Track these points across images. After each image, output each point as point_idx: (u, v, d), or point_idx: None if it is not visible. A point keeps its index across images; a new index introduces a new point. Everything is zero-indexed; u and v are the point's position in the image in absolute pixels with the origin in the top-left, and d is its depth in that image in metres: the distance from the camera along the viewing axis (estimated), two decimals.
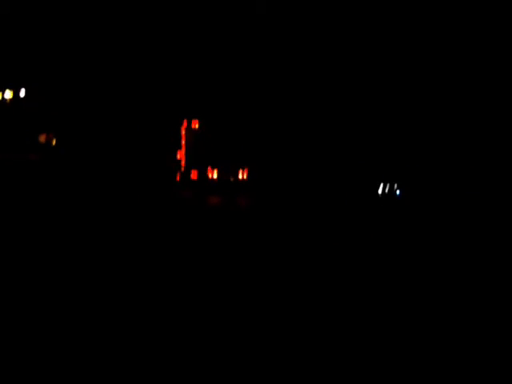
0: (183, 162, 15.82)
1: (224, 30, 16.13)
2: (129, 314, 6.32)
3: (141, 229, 11.41)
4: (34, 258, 8.77)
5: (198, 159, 15.74)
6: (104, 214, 12.70)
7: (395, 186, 17.66)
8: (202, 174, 15.41)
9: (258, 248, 10.90)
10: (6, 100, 19.08)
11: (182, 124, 15.73)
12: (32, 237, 9.65)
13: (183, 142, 15.98)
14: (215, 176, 15.85)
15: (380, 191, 17.39)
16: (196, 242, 10.63)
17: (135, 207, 13.65)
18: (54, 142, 18.16)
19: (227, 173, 16.00)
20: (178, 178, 15.43)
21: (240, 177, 16.07)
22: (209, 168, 15.40)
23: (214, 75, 17.60)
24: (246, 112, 17.18)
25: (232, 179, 16.05)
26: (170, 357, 5.00)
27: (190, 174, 15.27)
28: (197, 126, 15.77)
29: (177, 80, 16.50)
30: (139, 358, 4.89)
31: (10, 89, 18.94)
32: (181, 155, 15.89)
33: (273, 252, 10.53)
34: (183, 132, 15.77)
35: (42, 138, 17.78)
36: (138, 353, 5.04)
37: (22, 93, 19.17)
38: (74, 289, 7.20)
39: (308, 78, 17.53)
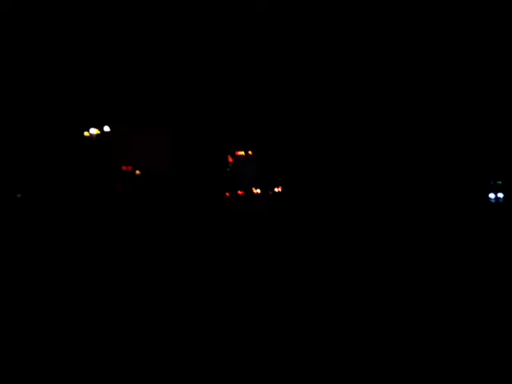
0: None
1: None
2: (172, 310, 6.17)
3: (199, 229, 14.56)
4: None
5: (241, 180, 19.68)
6: (175, 218, 17.04)
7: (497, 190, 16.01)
8: (246, 191, 18.58)
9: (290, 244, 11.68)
10: (92, 136, 24.86)
11: (230, 152, 19.60)
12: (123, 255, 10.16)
13: (230, 166, 19.94)
14: (258, 191, 18.87)
15: (492, 196, 16.11)
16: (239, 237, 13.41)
17: (196, 214, 17.97)
18: (137, 172, 25.25)
19: (266, 189, 19.19)
20: (227, 194, 18.83)
21: (276, 190, 19.39)
22: (252, 187, 18.83)
23: (254, 117, 21.10)
24: (278, 144, 21.78)
25: (270, 193, 19.15)
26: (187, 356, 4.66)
27: (236, 191, 18.73)
28: (242, 153, 19.68)
29: (226, 117, 21.70)
30: (144, 357, 4.59)
31: (95, 127, 24.93)
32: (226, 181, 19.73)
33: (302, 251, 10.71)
34: (230, 159, 19.69)
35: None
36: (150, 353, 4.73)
37: (107, 129, 24.40)
38: (136, 292, 7.20)
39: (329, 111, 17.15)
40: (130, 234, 14.18)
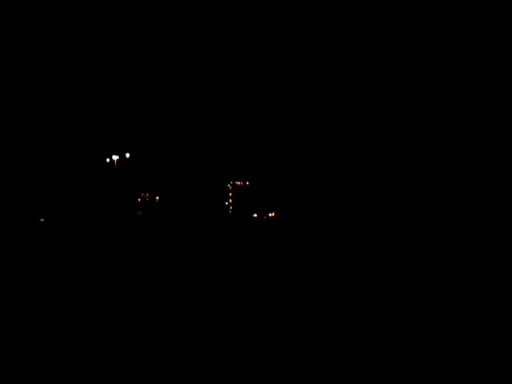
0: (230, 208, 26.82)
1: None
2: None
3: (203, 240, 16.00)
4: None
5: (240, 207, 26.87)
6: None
7: None
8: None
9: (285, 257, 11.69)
10: (113, 162, 25.89)
11: (229, 184, 26.40)
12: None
13: (230, 195, 26.77)
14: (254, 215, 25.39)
15: None
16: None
17: (204, 232, 20.73)
18: (156, 199, 26.61)
19: (261, 214, 25.51)
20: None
21: (270, 215, 25.36)
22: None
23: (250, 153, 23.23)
24: (271, 176, 24.21)
25: (265, 217, 25.19)
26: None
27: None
28: (240, 184, 26.45)
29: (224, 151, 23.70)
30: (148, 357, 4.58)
31: (116, 154, 26.01)
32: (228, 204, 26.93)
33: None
34: (230, 188, 26.69)
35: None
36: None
37: (127, 156, 25.61)
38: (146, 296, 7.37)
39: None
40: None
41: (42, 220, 30.38)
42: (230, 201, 24.48)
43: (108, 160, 27.92)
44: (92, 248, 16.37)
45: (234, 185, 24.84)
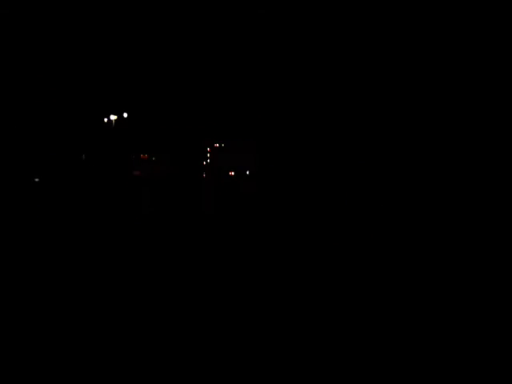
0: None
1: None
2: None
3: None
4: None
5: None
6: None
7: None
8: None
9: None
10: (111, 122, 25.29)
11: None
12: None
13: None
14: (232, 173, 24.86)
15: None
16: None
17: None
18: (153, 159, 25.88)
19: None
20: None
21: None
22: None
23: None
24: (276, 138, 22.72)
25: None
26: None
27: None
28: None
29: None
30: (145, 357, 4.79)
31: (114, 113, 25.33)
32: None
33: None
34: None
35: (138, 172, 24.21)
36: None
37: (125, 116, 24.92)
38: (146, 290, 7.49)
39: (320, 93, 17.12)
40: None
41: (36, 180, 30.72)
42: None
43: (106, 120, 27.91)
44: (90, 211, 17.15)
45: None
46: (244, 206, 20.39)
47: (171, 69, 19.89)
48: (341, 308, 6.37)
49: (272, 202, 19.90)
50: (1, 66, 19.43)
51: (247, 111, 18.72)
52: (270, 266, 9.39)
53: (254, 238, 13.68)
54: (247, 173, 23.66)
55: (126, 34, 18.06)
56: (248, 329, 5.61)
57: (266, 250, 11.51)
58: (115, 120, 25.71)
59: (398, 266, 9.13)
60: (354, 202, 17.59)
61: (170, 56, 18.73)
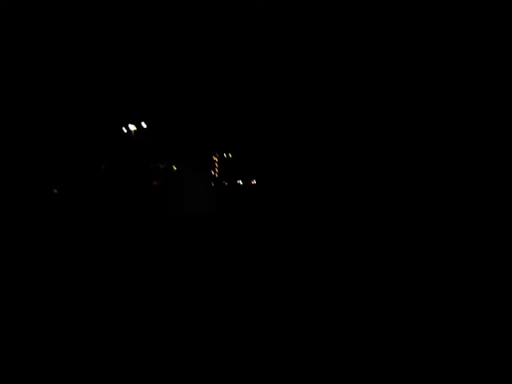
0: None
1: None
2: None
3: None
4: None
5: None
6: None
7: None
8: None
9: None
10: (130, 132, 25.39)
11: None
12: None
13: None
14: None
15: None
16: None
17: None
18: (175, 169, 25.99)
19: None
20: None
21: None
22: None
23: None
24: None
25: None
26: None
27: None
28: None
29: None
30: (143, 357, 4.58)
31: (133, 123, 25.48)
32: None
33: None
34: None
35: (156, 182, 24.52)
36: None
37: (144, 126, 25.12)
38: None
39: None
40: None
41: (55, 191, 30.37)
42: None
43: (125, 129, 27.66)
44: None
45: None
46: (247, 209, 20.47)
47: (186, 80, 19.67)
48: (341, 308, 6.13)
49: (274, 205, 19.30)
50: (23, 80, 19.05)
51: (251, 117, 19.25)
52: (270, 266, 9.14)
53: (254, 239, 13.30)
54: (254, 182, 24.28)
55: (149, 53, 17.91)
56: (248, 329, 5.42)
57: (266, 250, 11.26)
58: (134, 130, 25.67)
59: (398, 266, 8.86)
60: (354, 203, 16.58)
61: (184, 66, 18.46)
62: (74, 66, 19.55)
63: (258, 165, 21.95)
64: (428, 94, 15.21)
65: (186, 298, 6.94)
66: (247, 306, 6.39)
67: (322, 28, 15.26)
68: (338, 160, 17.17)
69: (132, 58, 19.30)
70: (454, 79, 14.59)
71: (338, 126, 16.47)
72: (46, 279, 8.05)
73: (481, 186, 14.43)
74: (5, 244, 12.16)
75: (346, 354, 4.61)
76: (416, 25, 14.79)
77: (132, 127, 25.72)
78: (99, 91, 22.60)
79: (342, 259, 9.75)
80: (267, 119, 19.86)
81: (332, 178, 17.59)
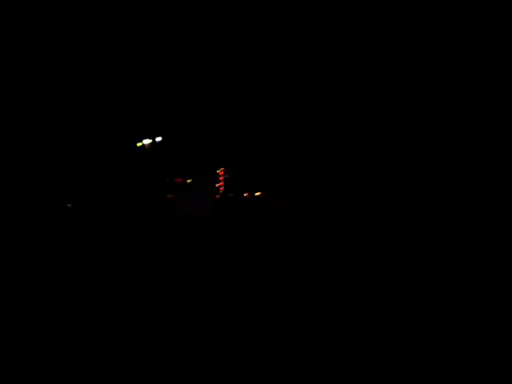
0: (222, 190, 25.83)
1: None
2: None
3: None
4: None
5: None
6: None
7: None
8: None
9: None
10: (145, 146, 25.08)
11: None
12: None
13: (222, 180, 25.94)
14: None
15: None
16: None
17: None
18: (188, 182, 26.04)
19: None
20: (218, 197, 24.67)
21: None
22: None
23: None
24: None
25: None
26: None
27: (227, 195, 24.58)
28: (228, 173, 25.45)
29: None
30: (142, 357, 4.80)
31: (149, 137, 25.05)
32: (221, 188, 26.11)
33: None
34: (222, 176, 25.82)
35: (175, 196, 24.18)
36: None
37: (159, 139, 24.75)
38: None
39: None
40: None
41: (68, 205, 30.10)
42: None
43: (139, 144, 27.54)
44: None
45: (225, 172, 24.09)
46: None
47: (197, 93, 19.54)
48: (341, 309, 6.27)
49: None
50: (23, 80, 18.91)
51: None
52: (271, 266, 9.30)
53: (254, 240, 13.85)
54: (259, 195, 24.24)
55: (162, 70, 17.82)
56: (248, 329, 5.62)
57: (266, 250, 11.58)
58: (148, 144, 25.44)
59: (398, 267, 8.99)
60: (355, 204, 17.46)
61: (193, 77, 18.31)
62: (75, 68, 19.36)
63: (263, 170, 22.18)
64: (428, 94, 15.73)
65: (192, 297, 7.12)
66: (247, 306, 6.57)
67: (322, 28, 15.76)
68: (338, 161, 17.76)
69: (132, 58, 18.95)
70: (454, 79, 15.14)
71: (338, 126, 17.01)
72: (50, 280, 8.33)
73: (481, 186, 14.94)
74: (9, 246, 12.72)
75: (346, 354, 4.76)
76: (416, 25, 15.30)
77: (146, 141, 25.75)
78: (105, 95, 22.36)
79: (342, 259, 9.96)
80: (268, 121, 18.66)
81: (332, 179, 18.23)
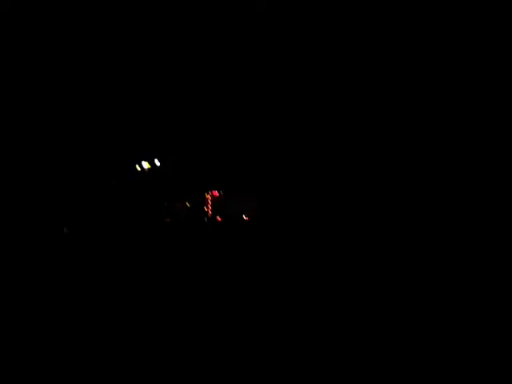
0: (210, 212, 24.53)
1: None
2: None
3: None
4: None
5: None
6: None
7: None
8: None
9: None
10: (144, 169, 24.96)
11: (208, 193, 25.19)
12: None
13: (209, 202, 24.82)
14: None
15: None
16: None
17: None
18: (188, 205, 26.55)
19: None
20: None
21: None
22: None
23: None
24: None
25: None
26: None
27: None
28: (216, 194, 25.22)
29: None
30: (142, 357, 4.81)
31: (147, 160, 24.95)
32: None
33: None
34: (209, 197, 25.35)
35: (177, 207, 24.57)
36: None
37: (157, 163, 24.63)
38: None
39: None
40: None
41: (65, 230, 29.61)
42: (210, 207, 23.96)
43: (139, 168, 27.41)
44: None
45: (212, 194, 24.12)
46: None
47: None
48: (341, 309, 6.25)
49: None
50: (23, 81, 18.96)
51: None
52: (270, 267, 9.46)
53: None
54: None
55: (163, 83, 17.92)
56: (248, 329, 5.63)
57: (266, 250, 12.13)
58: (148, 168, 25.21)
59: (398, 268, 9.00)
60: (355, 206, 17.56)
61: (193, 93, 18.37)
62: (75, 67, 19.25)
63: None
64: (428, 94, 15.91)
65: (193, 297, 7.19)
66: (247, 306, 6.61)
67: (322, 28, 15.84)
68: (339, 163, 17.97)
69: (132, 58, 18.83)
70: (454, 79, 15.31)
71: (338, 127, 17.32)
72: (50, 280, 8.59)
73: (481, 186, 15.03)
74: (10, 247, 13.17)
75: (346, 354, 4.80)
76: (416, 25, 15.32)
77: (145, 165, 25.70)
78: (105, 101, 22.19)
79: (342, 259, 10.11)
80: (269, 124, 18.82)
81: (333, 181, 18.39)
